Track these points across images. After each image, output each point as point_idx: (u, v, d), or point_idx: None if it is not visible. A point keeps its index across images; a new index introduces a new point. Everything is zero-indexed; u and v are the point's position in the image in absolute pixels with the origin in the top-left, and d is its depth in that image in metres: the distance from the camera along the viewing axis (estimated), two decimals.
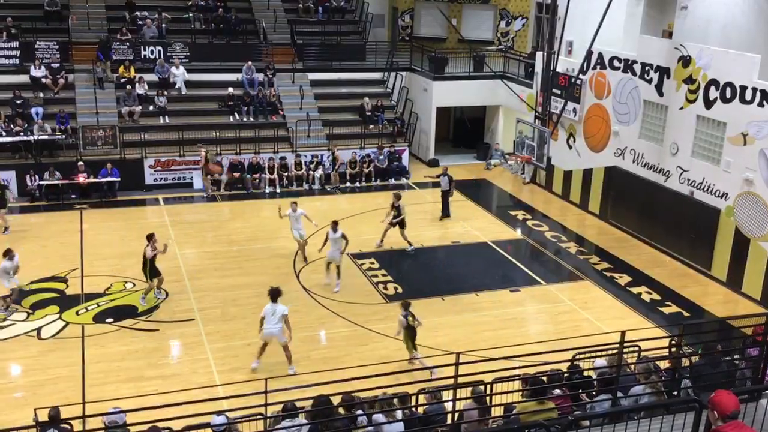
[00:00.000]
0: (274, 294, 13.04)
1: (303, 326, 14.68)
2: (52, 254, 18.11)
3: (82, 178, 21.96)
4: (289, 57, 27.61)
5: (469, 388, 9.23)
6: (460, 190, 22.72)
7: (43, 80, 24.31)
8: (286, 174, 24.23)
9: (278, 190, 23.75)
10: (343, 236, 16.51)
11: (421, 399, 9.79)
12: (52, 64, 24.65)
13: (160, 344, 14.29)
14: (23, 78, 24.29)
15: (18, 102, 23.22)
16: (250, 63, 26.27)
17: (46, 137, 22.55)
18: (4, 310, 15.12)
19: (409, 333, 13.26)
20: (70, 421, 9.33)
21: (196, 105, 25.67)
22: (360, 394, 9.01)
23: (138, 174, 23.16)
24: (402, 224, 18.97)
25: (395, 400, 9.23)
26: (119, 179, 22.41)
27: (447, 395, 9.60)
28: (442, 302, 16.38)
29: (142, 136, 23.76)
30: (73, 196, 22.03)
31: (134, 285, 16.55)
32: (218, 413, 8.82)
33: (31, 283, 16.25)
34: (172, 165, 23.49)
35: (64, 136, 22.92)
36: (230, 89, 25.61)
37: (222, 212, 22.19)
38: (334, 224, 16.60)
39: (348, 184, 24.76)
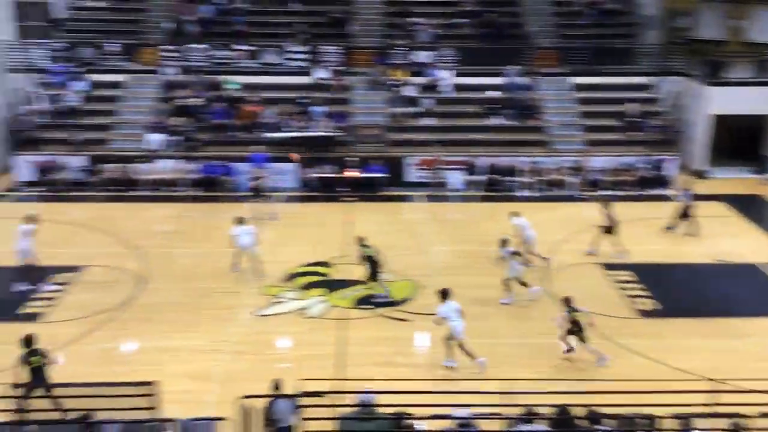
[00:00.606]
0: (446, 294, 13.53)
1: (545, 332, 14.61)
2: (322, 241, 19.85)
3: (351, 173, 23.83)
4: (553, 60, 27.42)
5: (727, 420, 8.64)
6: (729, 205, 21.01)
7: (326, 82, 26.70)
8: (541, 178, 24.17)
9: (534, 194, 23.78)
10: (515, 253, 16.21)
11: (669, 424, 9.35)
12: (334, 67, 26.99)
13: (410, 334, 15.10)
14: (309, 80, 26.86)
15: (302, 101, 25.75)
16: (513, 66, 26.54)
17: (324, 134, 24.77)
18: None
19: (574, 328, 13.25)
20: (326, 394, 10.20)
21: (459, 107, 26.53)
22: (602, 408, 8.87)
23: (401, 171, 24.52)
24: (610, 231, 18.27)
25: (640, 421, 8.96)
26: (385, 175, 23.94)
27: (700, 424, 9.08)
28: (703, 324, 15.36)
29: (407, 136, 25.15)
30: (343, 189, 23.94)
31: (392, 275, 17.60)
32: (459, 406, 9.18)
33: (301, 266, 18.03)
34: (434, 164, 24.50)
35: (339, 134, 25.00)
36: (490, 92, 26.12)
37: (476, 213, 22.74)
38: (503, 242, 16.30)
39: (602, 191, 24.02)
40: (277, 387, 10.28)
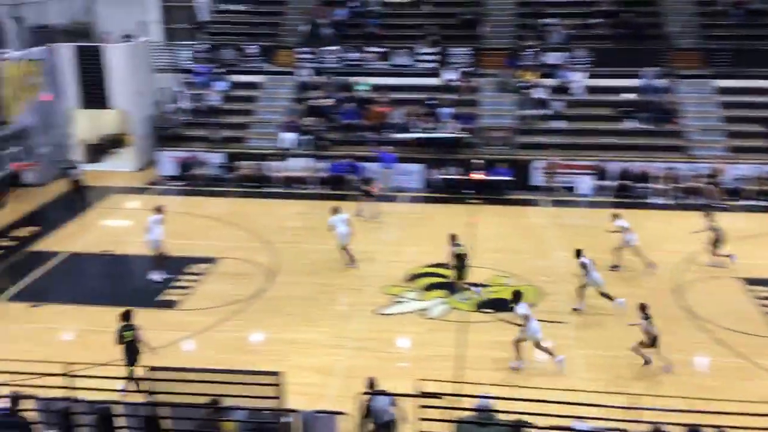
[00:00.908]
0: (518, 296, 13.78)
1: (678, 348, 13.94)
2: (445, 243, 19.80)
3: (477, 175, 23.70)
4: (694, 62, 26.11)
5: None
6: None
7: (454, 84, 26.69)
8: (677, 185, 23.06)
9: (668, 202, 22.74)
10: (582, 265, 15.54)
11: None
12: (463, 69, 26.94)
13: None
14: (438, 81, 26.95)
15: (430, 102, 25.87)
16: (651, 68, 25.50)
17: (450, 135, 24.77)
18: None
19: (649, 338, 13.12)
20: (443, 396, 10.19)
21: (591, 110, 25.78)
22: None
23: (528, 175, 24.12)
24: (717, 243, 17.49)
25: None
26: (511, 178, 23.65)
27: None
28: None
29: (536, 139, 24.72)
30: (468, 191, 23.83)
31: (513, 280, 17.39)
32: (581, 418, 8.94)
33: (423, 267, 18.14)
34: (561, 168, 23.96)
35: (466, 135, 24.93)
36: (625, 95, 25.21)
37: (603, 219, 21.98)
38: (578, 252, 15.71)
39: (744, 201, 22.64)
40: (372, 384, 10.53)
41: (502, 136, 24.82)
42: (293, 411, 9.74)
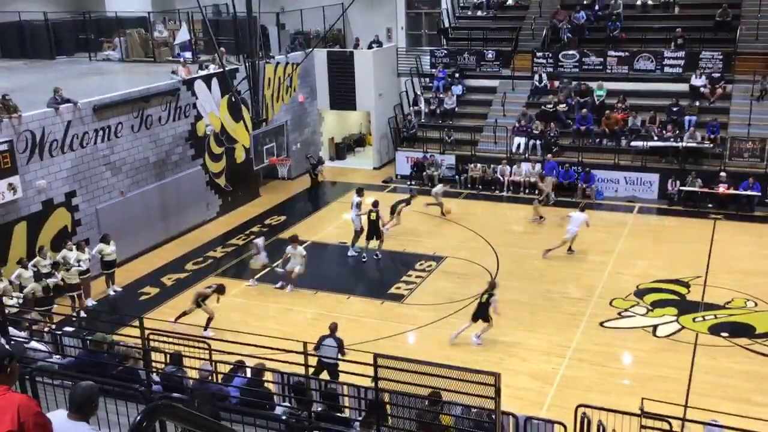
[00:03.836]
0: None
1: None
2: (679, 258, 18.79)
3: (722, 188, 22.06)
4: None
5: None
6: None
7: (702, 89, 25.03)
8: None
9: None
10: None
11: None
12: (713, 74, 25.17)
13: None
14: (683, 86, 25.45)
15: (674, 109, 24.49)
16: None
17: (694, 145, 23.29)
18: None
19: None
20: (669, 419, 9.78)
21: None
22: None
23: None
24: None
25: None
26: (759, 194, 21.74)
27: None
28: None
29: None
30: (710, 205, 22.27)
31: (756, 304, 16.07)
32: None
33: (654, 282, 17.36)
34: None
35: (711, 145, 23.31)
36: None
37: None
38: None
39: None
40: (334, 329, 12.86)
41: (752, 147, 22.83)
42: (509, 414, 9.87)
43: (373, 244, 19.50)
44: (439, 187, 23.11)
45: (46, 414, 4.68)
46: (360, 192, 20.38)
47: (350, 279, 18.94)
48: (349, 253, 19.90)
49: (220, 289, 15.86)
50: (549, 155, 24.71)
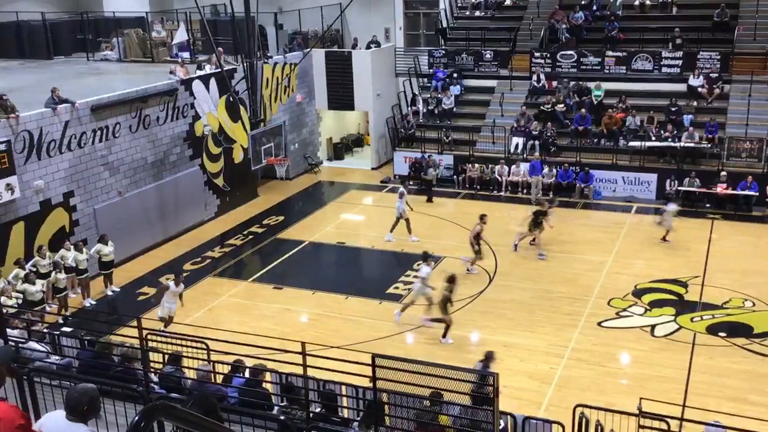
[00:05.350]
0: None
1: None
2: (677, 258, 18.83)
3: (720, 189, 22.09)
4: None
5: None
6: None
7: (699, 90, 25.06)
8: None
9: None
10: None
11: None
12: (710, 74, 25.20)
13: None
14: (680, 87, 25.48)
15: (672, 109, 24.52)
16: None
17: (692, 145, 23.32)
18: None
19: None
20: (667, 419, 9.77)
21: None
22: None
23: None
24: None
25: None
26: (757, 194, 21.78)
27: None
28: None
29: None
30: (707, 205, 22.30)
31: (753, 304, 16.10)
32: None
33: (652, 282, 17.37)
34: None
35: (709, 145, 23.33)
36: None
37: None
38: None
39: None
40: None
41: (750, 147, 22.86)
42: (507, 414, 9.88)
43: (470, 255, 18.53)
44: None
45: (46, 414, 4.66)
46: (404, 183, 21.89)
47: (349, 279, 18.94)
48: (387, 238, 20.54)
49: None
50: (536, 154, 24.66)
